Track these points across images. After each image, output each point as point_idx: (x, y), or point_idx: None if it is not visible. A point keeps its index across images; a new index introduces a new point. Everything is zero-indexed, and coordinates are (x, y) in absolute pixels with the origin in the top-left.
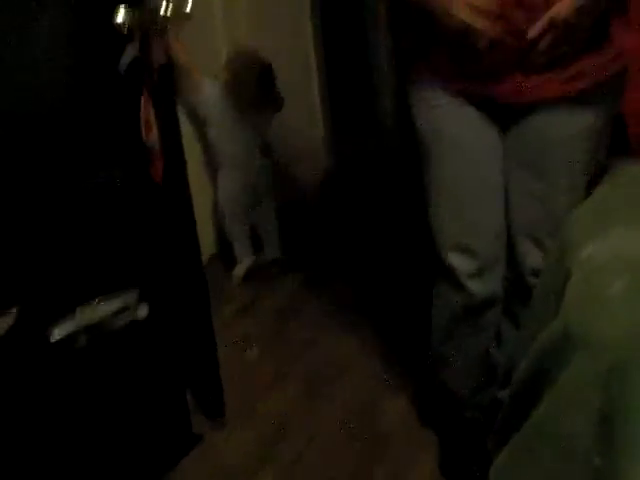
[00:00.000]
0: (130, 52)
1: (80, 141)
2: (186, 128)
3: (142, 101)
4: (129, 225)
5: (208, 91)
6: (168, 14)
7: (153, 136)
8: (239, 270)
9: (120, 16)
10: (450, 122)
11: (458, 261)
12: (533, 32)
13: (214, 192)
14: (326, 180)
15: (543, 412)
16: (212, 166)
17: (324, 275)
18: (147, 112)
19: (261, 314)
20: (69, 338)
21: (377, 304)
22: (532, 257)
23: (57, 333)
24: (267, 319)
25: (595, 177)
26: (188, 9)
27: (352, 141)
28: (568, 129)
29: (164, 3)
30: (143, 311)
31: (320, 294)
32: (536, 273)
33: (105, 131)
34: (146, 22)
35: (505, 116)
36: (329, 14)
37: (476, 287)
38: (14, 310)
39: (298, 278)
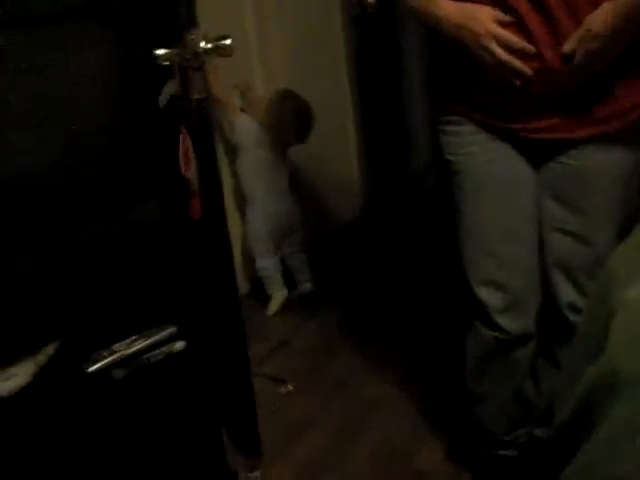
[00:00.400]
0: (170, 87)
1: (119, 176)
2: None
3: (181, 135)
4: (167, 261)
5: (244, 123)
6: (208, 47)
7: (192, 170)
8: (272, 306)
9: (161, 51)
10: (481, 158)
11: (488, 296)
12: (568, 45)
13: (243, 228)
14: (359, 214)
15: (594, 447)
16: (242, 201)
17: (358, 310)
18: (186, 146)
19: (295, 351)
20: (105, 370)
21: (411, 341)
22: (567, 291)
23: (93, 365)
24: (301, 356)
25: (631, 214)
26: (228, 41)
27: (386, 178)
28: (604, 165)
29: (203, 37)
30: (180, 347)
31: (354, 330)
32: (572, 307)
33: (144, 165)
34: (185, 57)
35: (539, 151)
36: (364, 54)
37: (507, 323)
38: (55, 343)
39: (332, 313)
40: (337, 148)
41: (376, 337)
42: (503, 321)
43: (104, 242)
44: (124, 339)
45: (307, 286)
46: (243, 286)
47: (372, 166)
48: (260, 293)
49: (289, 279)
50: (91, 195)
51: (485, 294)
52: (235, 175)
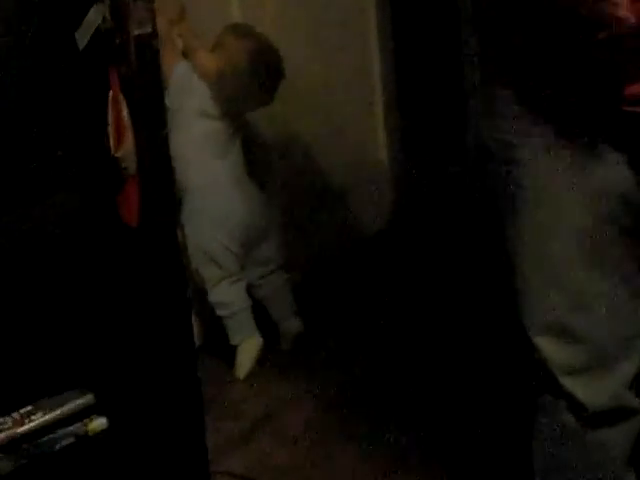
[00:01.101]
0: (94, 16)
1: (10, 155)
2: None
3: (110, 92)
4: (83, 288)
5: (181, 75)
6: None
7: (125, 148)
8: (242, 364)
9: None
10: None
11: (551, 349)
12: None
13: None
14: (387, 222)
15: None
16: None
17: (373, 364)
18: (117, 110)
19: (277, 436)
20: None
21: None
22: None
23: None
24: (285, 444)
25: None
26: None
27: (426, 171)
28: None
29: None
30: (99, 425)
31: (368, 400)
32: None
33: (50, 140)
34: None
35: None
36: (401, 11)
37: (582, 390)
38: None
39: (335, 370)
40: (360, 131)
41: (394, 416)
42: (575, 387)
43: None
44: (11, 411)
45: (293, 325)
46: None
47: (408, 155)
48: (219, 344)
49: (262, 317)
50: None
51: (547, 346)
52: None
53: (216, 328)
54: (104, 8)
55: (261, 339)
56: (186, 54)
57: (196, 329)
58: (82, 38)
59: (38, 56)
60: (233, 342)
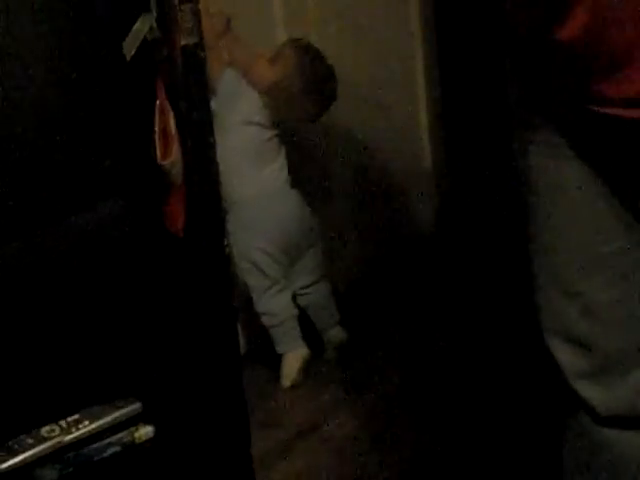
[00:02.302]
0: (141, 26)
1: (57, 164)
2: None
3: (157, 102)
4: (129, 299)
5: (229, 83)
6: None
7: (173, 158)
8: (288, 373)
9: None
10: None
11: (563, 353)
12: None
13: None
14: (433, 226)
15: None
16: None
17: (424, 374)
18: (164, 120)
19: (325, 445)
20: (25, 469)
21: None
22: None
23: (4, 461)
24: (335, 453)
25: None
26: None
27: (474, 175)
28: None
29: None
30: (146, 434)
31: (406, 408)
32: None
33: (95, 149)
34: None
35: None
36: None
37: (594, 396)
38: None
39: (384, 379)
40: (404, 139)
41: (438, 419)
42: (587, 392)
43: (29, 262)
44: (58, 419)
45: (337, 334)
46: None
47: (452, 163)
48: (265, 353)
49: (307, 326)
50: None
51: (560, 350)
52: None
53: (262, 336)
54: (151, 18)
55: (306, 349)
56: (235, 65)
57: (242, 337)
58: (129, 48)
59: (86, 66)
60: (279, 351)
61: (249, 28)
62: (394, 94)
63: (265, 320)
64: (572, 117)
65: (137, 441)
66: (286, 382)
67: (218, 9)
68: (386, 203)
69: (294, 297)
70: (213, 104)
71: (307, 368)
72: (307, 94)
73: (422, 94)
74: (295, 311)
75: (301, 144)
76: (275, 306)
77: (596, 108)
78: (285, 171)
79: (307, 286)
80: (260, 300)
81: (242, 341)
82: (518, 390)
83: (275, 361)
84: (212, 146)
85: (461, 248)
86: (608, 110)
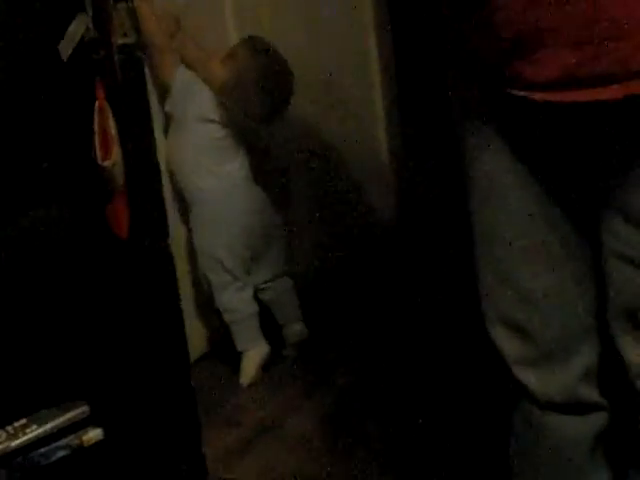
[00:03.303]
0: (77, 26)
1: None
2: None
3: (96, 102)
4: (74, 300)
5: (183, 82)
6: None
7: (113, 159)
8: (247, 371)
9: None
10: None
11: (503, 340)
12: None
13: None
14: (392, 223)
15: None
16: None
17: (379, 372)
18: (104, 120)
19: (282, 443)
20: None
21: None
22: (632, 349)
23: None
24: (292, 452)
25: None
26: None
27: (428, 173)
28: None
29: None
30: (94, 436)
31: (366, 405)
32: None
33: (34, 150)
34: None
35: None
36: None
37: (533, 382)
38: None
39: (343, 376)
40: (361, 134)
41: (399, 420)
42: (527, 378)
43: None
44: (5, 424)
45: (298, 330)
46: (197, 341)
47: (410, 157)
48: (225, 350)
49: (267, 322)
50: None
51: (500, 337)
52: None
53: (224, 334)
54: (87, 19)
55: (267, 346)
56: (188, 65)
57: (203, 335)
58: (65, 49)
59: (22, 68)
60: (239, 349)
61: (201, 27)
62: (350, 87)
63: (226, 317)
64: (497, 105)
65: (86, 444)
66: (245, 380)
67: (165, 9)
68: (345, 198)
69: (256, 292)
70: (168, 104)
71: (267, 365)
72: (261, 93)
73: (378, 86)
74: (256, 308)
75: (261, 142)
76: (236, 303)
77: (514, 91)
78: (246, 167)
79: (269, 281)
80: (221, 297)
81: (203, 339)
82: (474, 380)
83: (237, 358)
84: (153, 145)
85: (422, 242)
86: (525, 93)
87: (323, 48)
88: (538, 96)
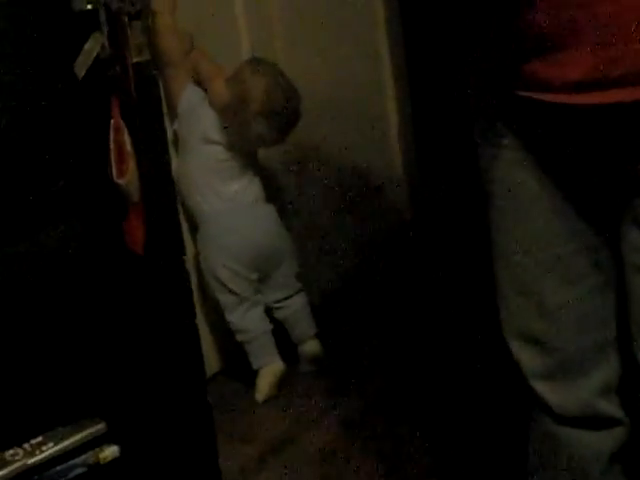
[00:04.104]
0: (92, 45)
1: (11, 187)
2: None
3: (112, 120)
4: (90, 318)
5: (190, 100)
6: None
7: (129, 176)
8: (261, 388)
9: None
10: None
11: (521, 353)
12: None
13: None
14: (405, 231)
15: None
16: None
17: (399, 387)
18: (119, 138)
19: (298, 458)
20: None
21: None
22: None
23: None
24: (307, 465)
25: None
26: None
27: (444, 187)
28: None
29: None
30: (111, 454)
31: (381, 421)
32: None
33: (52, 168)
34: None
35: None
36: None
37: (551, 396)
38: None
39: (359, 393)
40: (373, 147)
41: (416, 434)
42: (545, 392)
43: None
44: (22, 442)
45: (312, 347)
46: (213, 358)
47: (423, 169)
48: (241, 366)
49: (282, 339)
50: None
51: (518, 350)
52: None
53: (239, 350)
54: (102, 37)
55: (281, 364)
56: (201, 82)
57: (217, 353)
58: (81, 67)
59: (39, 87)
60: (254, 367)
61: (216, 44)
62: (362, 103)
63: (238, 337)
64: (517, 113)
65: (102, 461)
66: (259, 397)
67: (181, 27)
68: (360, 214)
69: (270, 310)
70: (176, 123)
71: (282, 381)
72: (263, 115)
73: (391, 97)
74: (269, 326)
75: (271, 160)
76: (247, 323)
77: (535, 94)
78: (256, 186)
79: (281, 300)
80: (231, 317)
81: (219, 355)
82: (496, 392)
83: (252, 375)
84: (168, 162)
85: (436, 254)
86: (548, 96)
87: (337, 63)
88: (561, 98)
